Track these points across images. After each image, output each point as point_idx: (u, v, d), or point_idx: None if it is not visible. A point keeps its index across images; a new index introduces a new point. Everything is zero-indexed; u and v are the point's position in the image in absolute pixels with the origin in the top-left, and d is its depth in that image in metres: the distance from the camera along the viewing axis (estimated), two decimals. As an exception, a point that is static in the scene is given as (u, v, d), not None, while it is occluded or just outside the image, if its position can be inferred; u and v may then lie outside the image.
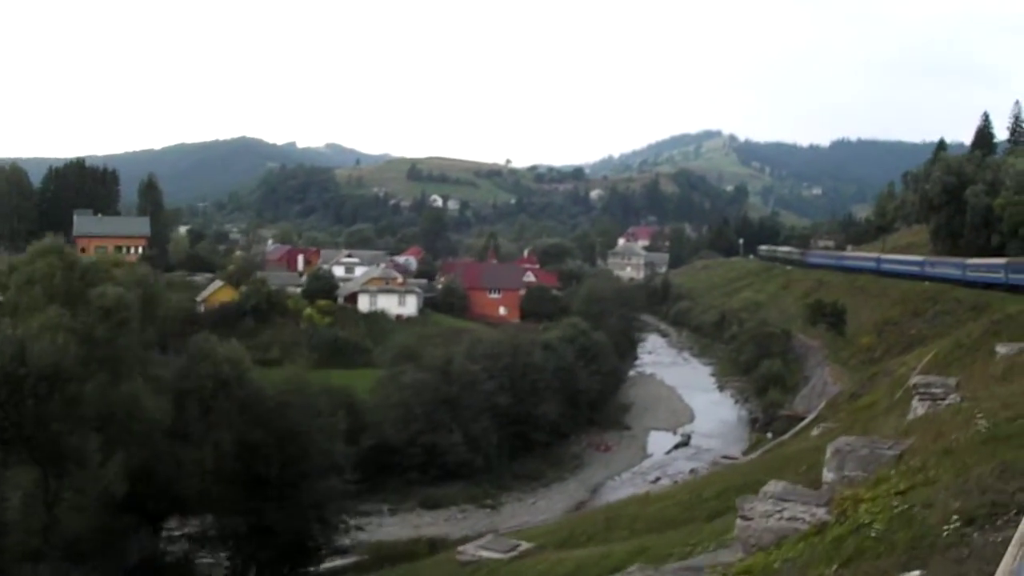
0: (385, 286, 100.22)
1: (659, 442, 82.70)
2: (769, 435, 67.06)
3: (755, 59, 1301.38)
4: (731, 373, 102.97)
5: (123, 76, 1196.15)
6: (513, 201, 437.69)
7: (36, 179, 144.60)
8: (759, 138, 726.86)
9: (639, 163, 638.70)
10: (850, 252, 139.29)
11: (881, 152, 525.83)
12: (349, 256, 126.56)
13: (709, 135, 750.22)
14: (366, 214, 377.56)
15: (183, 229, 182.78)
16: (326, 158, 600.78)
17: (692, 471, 65.97)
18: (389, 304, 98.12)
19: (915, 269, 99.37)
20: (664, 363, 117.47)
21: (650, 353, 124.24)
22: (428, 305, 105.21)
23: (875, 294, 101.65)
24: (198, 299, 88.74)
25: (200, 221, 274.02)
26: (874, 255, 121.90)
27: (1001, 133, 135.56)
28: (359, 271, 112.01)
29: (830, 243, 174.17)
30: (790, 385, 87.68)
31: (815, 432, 36.50)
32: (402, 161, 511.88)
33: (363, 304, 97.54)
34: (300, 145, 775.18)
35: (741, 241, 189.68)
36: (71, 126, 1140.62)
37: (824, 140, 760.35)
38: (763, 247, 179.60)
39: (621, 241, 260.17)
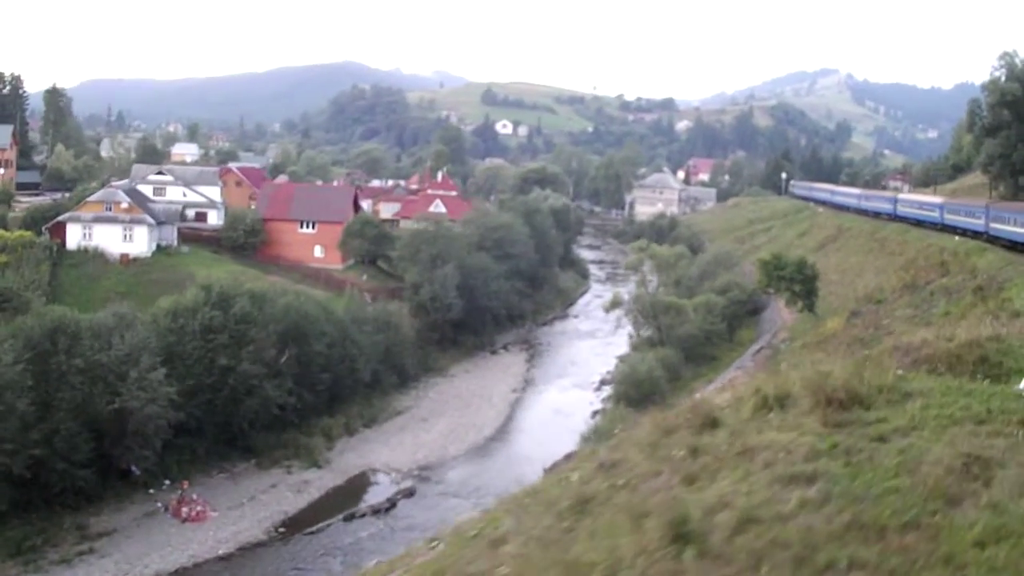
0: (104, 213, 72.04)
1: (362, 494, 51.12)
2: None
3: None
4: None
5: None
6: (591, 129, 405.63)
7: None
8: (878, 79, 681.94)
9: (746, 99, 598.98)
10: (819, 184, 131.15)
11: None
12: (160, 173, 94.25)
13: (826, 73, 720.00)
14: (428, 137, 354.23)
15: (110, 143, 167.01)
16: (431, 84, 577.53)
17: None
18: (110, 239, 70.95)
19: (852, 202, 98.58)
20: (579, 332, 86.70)
21: (575, 317, 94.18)
22: (208, 241, 77.48)
23: (891, 251, 71.68)
24: None
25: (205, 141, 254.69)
26: (829, 187, 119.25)
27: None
28: (171, 193, 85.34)
29: (898, 184, 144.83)
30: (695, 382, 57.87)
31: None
32: (480, 85, 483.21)
33: (73, 237, 71.01)
34: (406, 72, 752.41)
35: (784, 176, 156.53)
36: (175, 48, 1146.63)
37: (947, 83, 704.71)
38: (794, 183, 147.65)
39: (679, 174, 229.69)
